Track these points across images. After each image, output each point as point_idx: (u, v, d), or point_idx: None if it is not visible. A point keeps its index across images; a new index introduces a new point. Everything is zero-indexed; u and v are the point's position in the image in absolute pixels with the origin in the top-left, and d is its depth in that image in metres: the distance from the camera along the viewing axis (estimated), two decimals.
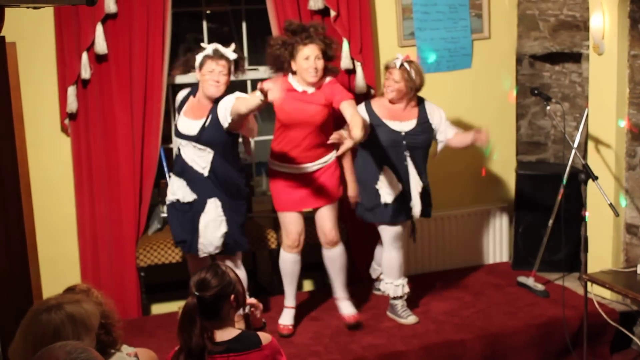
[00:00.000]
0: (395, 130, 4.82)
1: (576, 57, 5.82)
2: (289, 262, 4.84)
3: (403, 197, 4.86)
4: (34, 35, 4.93)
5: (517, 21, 5.94)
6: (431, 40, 5.70)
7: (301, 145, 4.68)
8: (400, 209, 4.86)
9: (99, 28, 4.93)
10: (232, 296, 3.04)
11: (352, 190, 4.92)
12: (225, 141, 4.49)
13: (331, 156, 4.77)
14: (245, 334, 3.11)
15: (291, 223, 4.79)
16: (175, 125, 4.62)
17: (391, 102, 4.84)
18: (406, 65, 4.78)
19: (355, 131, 4.31)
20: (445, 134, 4.92)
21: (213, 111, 4.45)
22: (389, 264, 4.95)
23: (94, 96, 5.06)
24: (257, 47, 6.08)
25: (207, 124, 4.47)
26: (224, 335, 3.03)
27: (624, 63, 5.04)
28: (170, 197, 4.63)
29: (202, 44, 4.61)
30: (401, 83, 4.76)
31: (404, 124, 4.85)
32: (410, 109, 4.88)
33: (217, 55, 4.47)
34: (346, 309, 4.93)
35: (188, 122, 4.52)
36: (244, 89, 5.75)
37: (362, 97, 5.43)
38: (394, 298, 4.99)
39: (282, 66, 4.69)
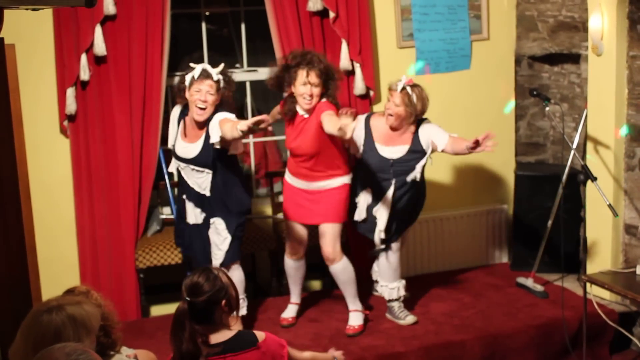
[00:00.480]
0: (384, 157, 4.74)
1: (575, 58, 5.82)
2: (290, 267, 4.98)
3: (371, 222, 4.89)
4: (33, 37, 4.93)
5: (516, 22, 5.95)
6: (430, 42, 5.70)
7: (307, 164, 4.75)
8: (371, 229, 4.90)
9: (98, 29, 4.93)
10: (224, 301, 3.04)
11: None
12: (222, 160, 4.49)
13: (341, 180, 4.80)
14: (241, 334, 3.11)
15: (293, 232, 4.88)
16: (174, 147, 4.62)
17: (391, 128, 4.70)
18: (408, 89, 4.61)
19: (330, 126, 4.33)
20: (439, 141, 4.64)
21: (206, 133, 4.44)
22: (383, 267, 4.96)
23: (93, 98, 5.06)
24: (256, 49, 6.08)
25: (202, 146, 4.47)
26: (219, 337, 3.04)
27: (622, 64, 5.04)
28: (189, 220, 4.67)
29: (191, 64, 4.54)
30: (401, 107, 4.60)
31: (395, 150, 4.73)
32: (406, 134, 4.73)
33: (204, 75, 4.43)
34: (350, 319, 4.92)
35: (184, 145, 4.54)
36: (243, 91, 5.76)
37: (361, 99, 5.44)
38: (390, 300, 5.00)
39: (282, 89, 4.74)
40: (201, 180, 4.53)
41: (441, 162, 5.58)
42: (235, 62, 6.09)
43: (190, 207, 4.63)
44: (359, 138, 4.78)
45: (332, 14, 5.27)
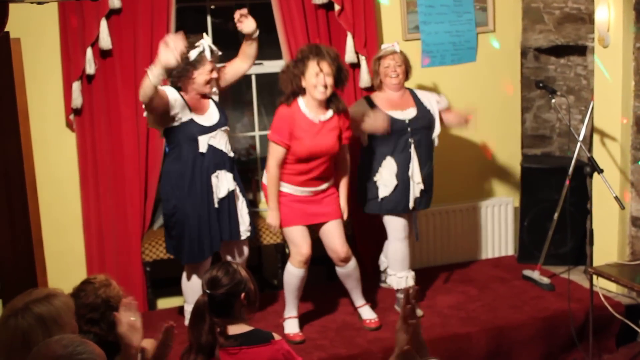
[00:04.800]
0: (399, 119, 4.84)
1: (581, 50, 5.80)
2: (298, 277, 4.69)
3: (403, 188, 4.86)
4: (39, 31, 4.93)
5: (522, 14, 5.92)
6: (436, 34, 5.69)
7: (313, 173, 4.62)
8: (400, 200, 4.87)
9: (104, 23, 4.94)
10: (243, 294, 3.09)
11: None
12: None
13: (332, 179, 4.77)
14: (258, 330, 3.17)
15: (301, 237, 4.66)
16: (196, 125, 4.47)
17: (394, 89, 4.89)
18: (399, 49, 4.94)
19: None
20: (441, 104, 5.05)
21: (210, 98, 4.61)
22: (393, 255, 4.96)
23: (99, 91, 5.06)
24: (261, 42, 6.04)
25: (217, 109, 4.60)
26: (236, 329, 3.10)
27: (629, 56, 5.02)
28: (221, 193, 4.59)
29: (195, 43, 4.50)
30: (402, 66, 4.88)
31: (406, 112, 4.89)
32: (406, 97, 4.94)
33: (215, 54, 4.53)
34: (366, 314, 4.90)
35: (204, 117, 4.53)
36: (248, 84, 5.75)
37: (366, 91, 5.43)
38: (398, 290, 5.00)
39: (294, 84, 4.55)
40: (225, 140, 4.57)
41: (447, 154, 5.57)
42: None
43: (222, 176, 4.56)
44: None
45: (337, 7, 5.26)
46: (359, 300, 4.91)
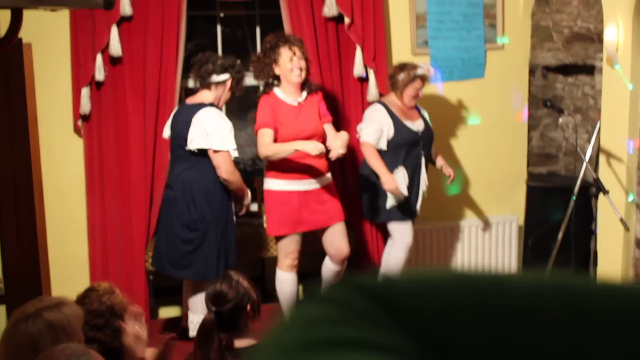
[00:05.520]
0: (413, 130, 4.95)
1: (589, 69, 5.81)
2: (290, 282, 4.69)
3: (411, 196, 4.94)
4: (49, 36, 4.95)
5: (531, 32, 5.93)
6: (444, 49, 5.70)
7: (307, 160, 4.55)
8: (407, 207, 4.94)
9: (114, 30, 4.95)
10: (249, 306, 3.05)
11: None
12: None
13: (330, 174, 4.77)
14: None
15: (295, 243, 4.66)
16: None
17: (410, 107, 5.01)
18: None
19: (342, 148, 4.47)
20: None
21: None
22: (395, 262, 5.01)
23: (107, 98, 5.07)
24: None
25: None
26: (242, 343, 3.06)
27: (637, 76, 5.02)
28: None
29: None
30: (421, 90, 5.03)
31: (416, 124, 5.01)
32: (412, 110, 5.07)
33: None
34: None
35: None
36: (255, 94, 5.75)
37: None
38: None
39: (266, 73, 4.63)
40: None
41: (453, 170, 5.57)
42: (249, 64, 6.08)
43: None
44: (389, 127, 4.88)
45: (347, 20, 5.27)
46: None
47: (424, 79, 4.98)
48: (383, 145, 4.91)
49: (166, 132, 4.71)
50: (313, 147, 4.36)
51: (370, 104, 5.40)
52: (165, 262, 4.61)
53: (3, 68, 2.76)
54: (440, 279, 0.63)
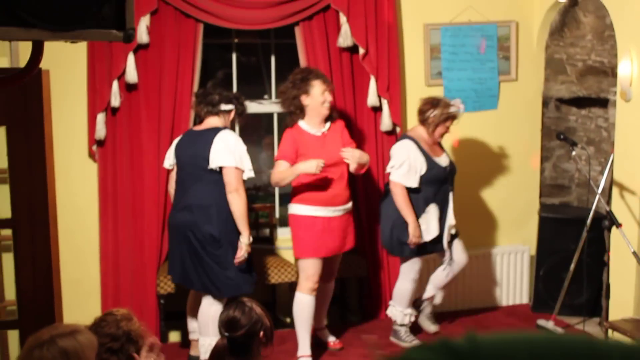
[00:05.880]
0: (442, 167, 4.99)
1: (603, 103, 5.82)
2: (309, 305, 4.78)
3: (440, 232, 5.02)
4: (67, 63, 5.01)
5: (545, 64, 5.96)
6: (458, 81, 5.72)
7: (332, 188, 4.76)
8: (426, 244, 4.96)
9: (131, 57, 5.01)
10: (262, 332, 3.06)
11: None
12: None
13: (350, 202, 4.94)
14: None
15: (317, 267, 4.78)
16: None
17: (435, 142, 5.03)
18: None
19: (353, 162, 4.72)
20: None
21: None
22: (401, 292, 5.06)
23: (123, 124, 5.12)
24: (284, 81, 6.13)
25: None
26: None
27: None
28: None
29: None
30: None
31: (442, 159, 5.03)
32: (436, 145, 5.09)
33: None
34: (331, 336, 5.14)
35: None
36: (270, 122, 5.80)
37: (387, 135, 5.46)
38: (401, 325, 5.11)
39: (294, 103, 4.75)
40: None
41: (465, 201, 5.58)
42: (264, 93, 6.14)
43: None
44: (422, 165, 4.90)
45: (362, 51, 5.31)
46: (324, 320, 5.13)
47: (455, 117, 4.99)
48: (415, 184, 4.88)
49: (167, 162, 4.78)
50: (313, 167, 4.55)
51: (382, 133, 5.43)
52: (196, 280, 4.62)
53: (22, 94, 2.80)
54: (525, 340, 0.63)
